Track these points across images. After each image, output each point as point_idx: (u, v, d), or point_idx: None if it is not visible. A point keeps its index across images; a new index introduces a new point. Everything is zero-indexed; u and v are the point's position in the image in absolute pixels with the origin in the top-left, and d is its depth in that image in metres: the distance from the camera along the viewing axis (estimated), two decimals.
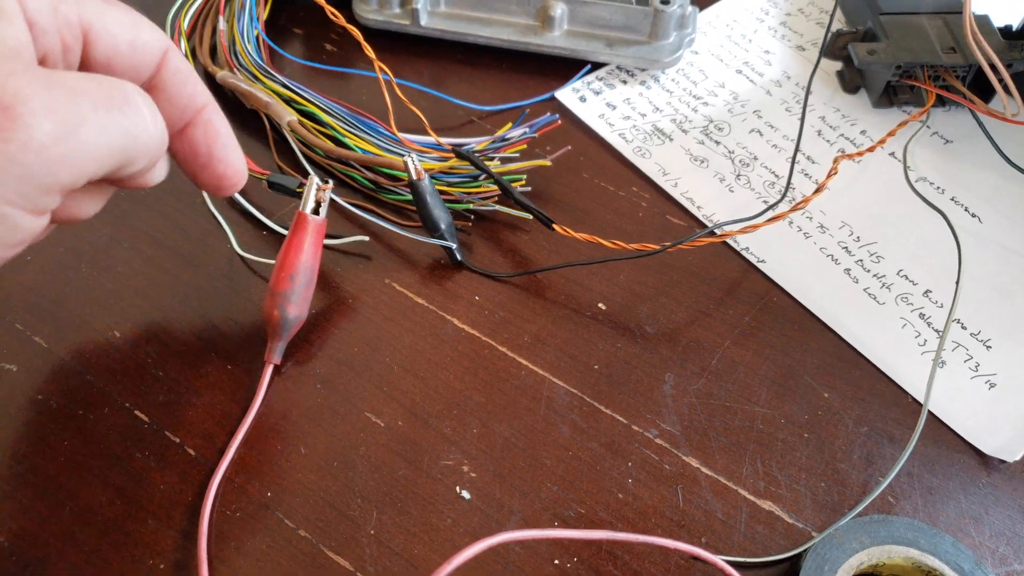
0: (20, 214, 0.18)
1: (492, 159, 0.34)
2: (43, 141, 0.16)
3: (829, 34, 0.37)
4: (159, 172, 0.22)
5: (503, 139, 0.34)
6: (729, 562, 0.24)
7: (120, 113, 0.18)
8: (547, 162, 0.33)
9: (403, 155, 0.32)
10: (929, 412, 0.28)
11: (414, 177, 0.30)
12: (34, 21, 0.18)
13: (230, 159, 0.23)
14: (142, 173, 0.21)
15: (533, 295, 0.32)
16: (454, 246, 0.31)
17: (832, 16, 0.38)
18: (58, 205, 0.19)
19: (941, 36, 0.35)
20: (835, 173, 0.29)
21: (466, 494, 0.27)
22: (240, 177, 0.24)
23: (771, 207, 0.33)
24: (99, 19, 0.20)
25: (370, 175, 0.34)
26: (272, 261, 0.32)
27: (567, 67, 0.40)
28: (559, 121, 0.33)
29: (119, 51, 0.20)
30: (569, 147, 0.34)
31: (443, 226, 0.31)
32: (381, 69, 0.33)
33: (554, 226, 0.31)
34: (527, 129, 0.33)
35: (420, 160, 0.32)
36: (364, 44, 0.33)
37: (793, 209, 0.29)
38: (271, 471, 0.27)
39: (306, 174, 0.34)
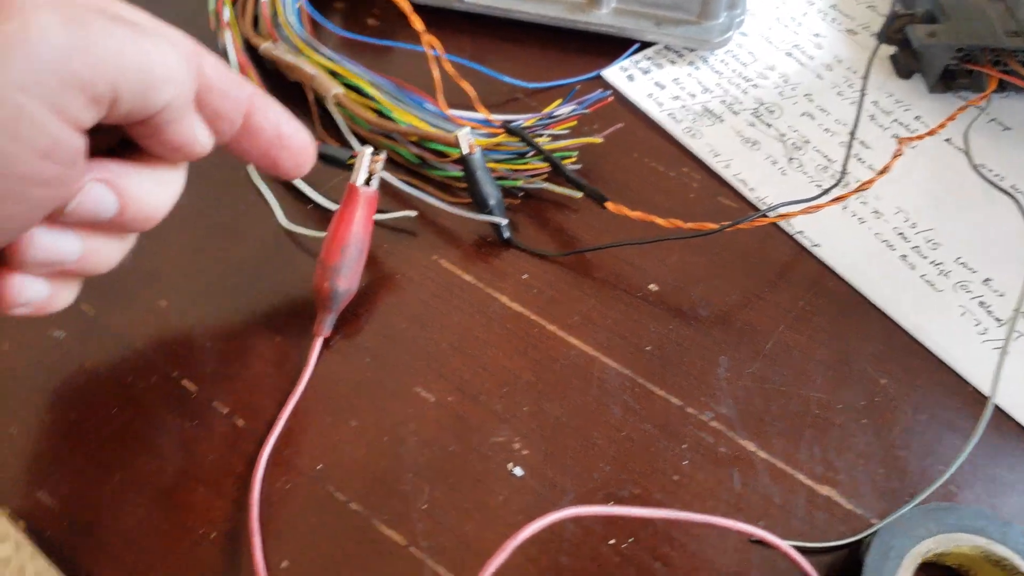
0: (40, 109, 0.16)
1: (541, 136, 0.33)
2: (48, 24, 0.15)
3: (888, 17, 0.36)
4: (200, 133, 0.20)
5: (551, 116, 0.33)
6: (792, 546, 0.23)
7: (132, 29, 0.17)
8: (598, 139, 0.32)
9: (453, 130, 0.31)
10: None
11: (466, 151, 0.30)
12: None
13: (298, 133, 0.23)
14: (176, 117, 0.19)
15: (582, 274, 0.31)
16: (504, 222, 0.31)
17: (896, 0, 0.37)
18: (89, 119, 0.17)
19: (1003, 20, 0.35)
20: (901, 155, 0.28)
21: (518, 471, 0.26)
22: (312, 146, 0.24)
23: (827, 191, 0.32)
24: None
25: (416, 150, 0.33)
26: (318, 234, 0.32)
27: (612, 46, 0.39)
28: (611, 98, 0.33)
29: None
30: (621, 124, 0.34)
31: (492, 202, 0.31)
32: (430, 44, 0.33)
33: (607, 204, 0.30)
34: (577, 106, 0.33)
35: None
36: (413, 17, 0.33)
37: (858, 189, 0.28)
38: (321, 444, 0.27)
39: (351, 148, 0.34)
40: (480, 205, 0.31)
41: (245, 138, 0.22)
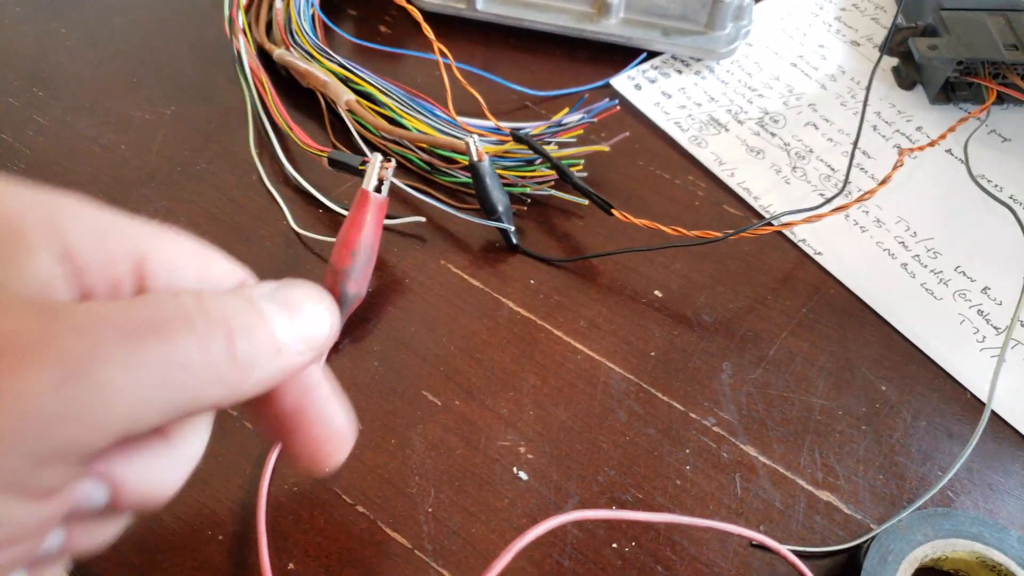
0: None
1: (549, 144, 0.34)
2: (39, 389, 0.12)
3: (891, 29, 0.37)
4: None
5: (559, 124, 0.34)
6: (791, 551, 0.24)
7: (158, 337, 0.13)
8: (605, 147, 0.33)
9: (462, 137, 0.32)
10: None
11: (475, 158, 0.30)
12: (73, 253, 0.14)
13: (344, 429, 0.17)
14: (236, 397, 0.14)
15: (588, 281, 0.32)
16: (512, 228, 0.31)
17: (897, 13, 0.38)
18: (76, 477, 0.13)
19: (1003, 33, 0.35)
20: (901, 165, 0.28)
21: (523, 475, 0.27)
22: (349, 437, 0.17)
23: (830, 200, 0.33)
24: (157, 250, 0.15)
25: (426, 157, 0.34)
26: (328, 239, 0.32)
27: (621, 55, 0.39)
28: (618, 107, 0.33)
29: (184, 287, 0.15)
30: (627, 133, 0.34)
31: (501, 208, 0.31)
32: (441, 51, 0.33)
33: (613, 211, 0.31)
34: (584, 114, 0.33)
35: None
36: (424, 25, 0.33)
37: (860, 199, 0.28)
38: None
39: (362, 154, 0.34)
40: (488, 211, 0.31)
41: (277, 423, 0.16)
